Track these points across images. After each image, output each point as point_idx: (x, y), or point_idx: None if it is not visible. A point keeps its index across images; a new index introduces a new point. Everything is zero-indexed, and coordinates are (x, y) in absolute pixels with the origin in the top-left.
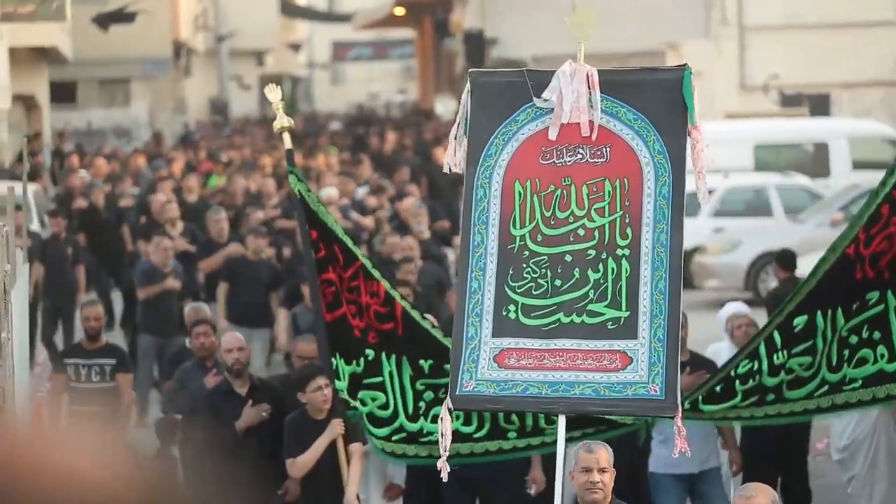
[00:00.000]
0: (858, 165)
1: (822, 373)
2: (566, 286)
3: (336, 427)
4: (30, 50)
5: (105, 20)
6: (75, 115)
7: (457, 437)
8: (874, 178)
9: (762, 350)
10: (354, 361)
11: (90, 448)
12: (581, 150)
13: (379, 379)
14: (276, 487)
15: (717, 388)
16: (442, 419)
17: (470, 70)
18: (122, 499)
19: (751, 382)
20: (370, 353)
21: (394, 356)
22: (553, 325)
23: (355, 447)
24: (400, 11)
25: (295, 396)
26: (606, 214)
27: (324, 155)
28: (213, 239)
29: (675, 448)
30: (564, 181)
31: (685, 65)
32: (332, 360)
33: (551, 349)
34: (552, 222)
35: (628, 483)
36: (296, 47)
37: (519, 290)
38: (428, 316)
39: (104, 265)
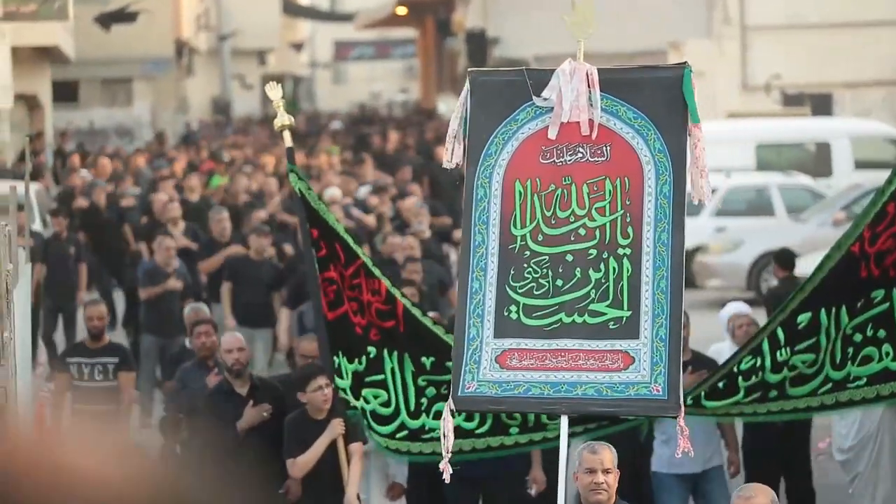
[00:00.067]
0: (860, 165)
1: (826, 370)
2: (567, 286)
3: (336, 427)
4: (32, 49)
5: (107, 20)
6: (77, 114)
7: (459, 433)
8: (876, 177)
9: (765, 346)
10: (356, 359)
11: (95, 447)
12: (581, 149)
13: (381, 376)
14: (277, 487)
15: (720, 385)
16: (444, 420)
17: (469, 69)
18: (127, 497)
19: (753, 379)
20: (372, 350)
21: (395, 353)
22: (555, 326)
23: (355, 447)
24: (402, 11)
25: (295, 396)
26: (607, 214)
27: (326, 154)
28: (214, 238)
29: (679, 448)
30: (565, 180)
31: (685, 63)
32: (335, 358)
33: (553, 349)
34: (553, 222)
35: (631, 483)
36: (298, 47)
37: (520, 291)
38: (430, 314)
39: (106, 265)
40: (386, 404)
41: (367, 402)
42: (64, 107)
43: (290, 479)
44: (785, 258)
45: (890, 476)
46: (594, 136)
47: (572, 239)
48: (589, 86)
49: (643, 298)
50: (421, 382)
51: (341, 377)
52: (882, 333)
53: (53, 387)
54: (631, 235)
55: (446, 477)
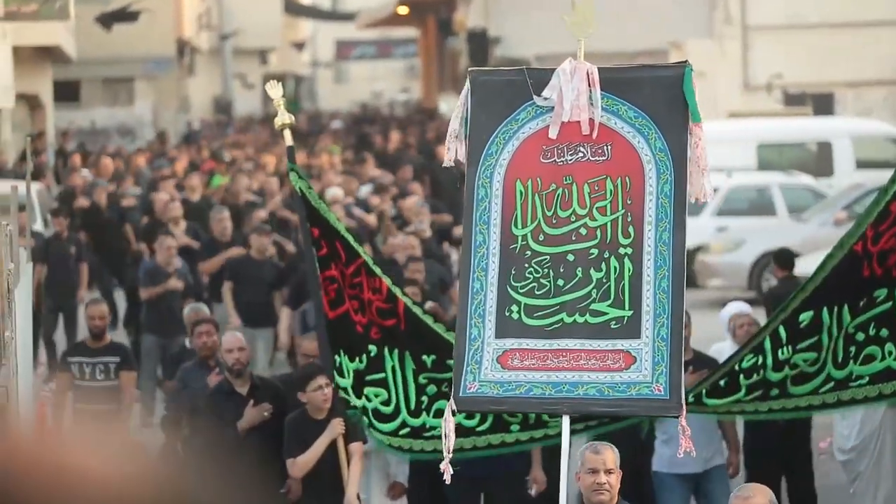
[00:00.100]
0: (862, 164)
1: (828, 369)
2: (569, 286)
3: (336, 426)
4: (33, 49)
5: (108, 19)
6: (79, 114)
7: (460, 431)
8: (878, 177)
9: (767, 345)
10: (357, 358)
11: (97, 446)
12: (582, 149)
13: (381, 375)
14: (278, 487)
15: (722, 382)
16: (446, 420)
17: (469, 69)
18: (128, 496)
19: (755, 377)
20: (373, 349)
21: (396, 351)
22: (556, 326)
23: (355, 447)
24: (403, 10)
25: (296, 396)
26: (608, 213)
27: (327, 154)
28: (216, 238)
29: (681, 448)
30: (566, 180)
31: (686, 62)
32: (337, 357)
33: (554, 349)
34: (554, 221)
35: (632, 483)
36: (299, 46)
37: (521, 291)
38: (428, 303)
39: (107, 264)
40: (386, 402)
41: (368, 400)
42: (65, 106)
43: (291, 478)
44: (784, 258)
45: (891, 476)
46: (595, 135)
47: (573, 238)
48: (589, 85)
49: (644, 298)
50: (422, 380)
51: (343, 376)
52: (885, 332)
53: (55, 386)
54: (632, 235)
55: (447, 477)
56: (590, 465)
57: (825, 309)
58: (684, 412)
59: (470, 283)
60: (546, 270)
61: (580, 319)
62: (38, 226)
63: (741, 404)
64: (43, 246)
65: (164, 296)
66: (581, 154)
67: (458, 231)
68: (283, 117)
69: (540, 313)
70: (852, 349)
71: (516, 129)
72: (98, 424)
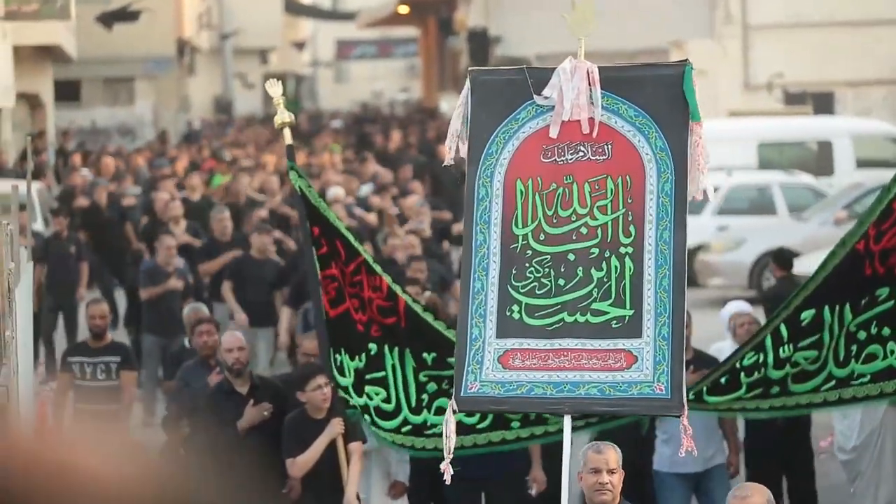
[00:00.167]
0: (862, 164)
1: (829, 367)
2: (569, 285)
3: (336, 426)
4: (34, 48)
5: (109, 19)
6: (79, 113)
7: (461, 428)
8: (878, 176)
9: (768, 343)
10: (358, 356)
11: (97, 446)
12: (582, 148)
13: (382, 373)
14: (279, 486)
15: (722, 380)
16: (447, 421)
17: (470, 68)
18: (129, 496)
19: (756, 375)
20: (373, 347)
21: (396, 349)
22: (557, 325)
23: (355, 446)
24: (404, 10)
25: (296, 395)
26: (609, 212)
27: (327, 153)
28: (216, 238)
29: (682, 447)
30: (566, 179)
31: (686, 60)
32: (338, 356)
33: (556, 349)
34: (554, 221)
35: (633, 482)
36: (300, 45)
37: (522, 290)
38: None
39: (107, 264)
40: (387, 401)
41: (370, 398)
42: (66, 106)
43: (290, 478)
44: (783, 258)
45: (892, 476)
46: (595, 134)
47: (574, 238)
48: (590, 84)
49: (645, 297)
50: (422, 378)
51: (344, 375)
52: (886, 331)
53: (55, 386)
54: (633, 234)
55: (447, 478)
56: (592, 464)
57: (827, 307)
58: (686, 411)
59: (471, 283)
60: (547, 270)
61: (581, 319)
62: (39, 225)
63: (742, 402)
64: (43, 245)
65: (164, 296)
66: (581, 153)
67: (457, 229)
68: (283, 116)
69: (541, 313)
70: (854, 348)
71: (516, 128)
72: (98, 424)
